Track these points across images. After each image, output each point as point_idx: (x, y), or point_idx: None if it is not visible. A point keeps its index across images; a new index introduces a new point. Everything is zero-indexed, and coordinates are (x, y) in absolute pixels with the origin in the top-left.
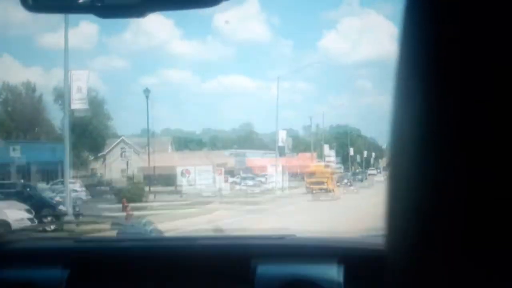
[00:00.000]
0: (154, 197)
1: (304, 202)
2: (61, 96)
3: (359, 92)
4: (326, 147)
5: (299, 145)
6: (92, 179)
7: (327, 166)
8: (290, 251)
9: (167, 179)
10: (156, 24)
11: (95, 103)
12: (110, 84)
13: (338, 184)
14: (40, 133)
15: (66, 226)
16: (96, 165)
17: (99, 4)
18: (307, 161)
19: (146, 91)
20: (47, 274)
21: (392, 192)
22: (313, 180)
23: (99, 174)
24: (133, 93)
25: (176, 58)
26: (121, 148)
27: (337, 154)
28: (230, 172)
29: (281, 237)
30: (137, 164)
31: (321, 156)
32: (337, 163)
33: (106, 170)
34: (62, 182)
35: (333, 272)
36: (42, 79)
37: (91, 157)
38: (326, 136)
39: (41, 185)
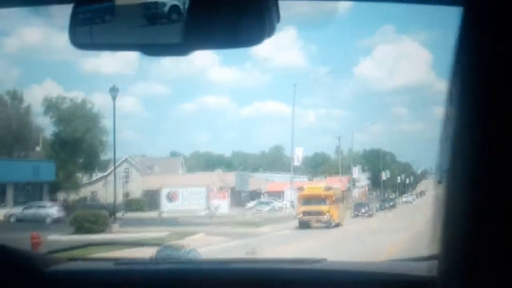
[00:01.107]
0: (119, 226)
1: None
2: (52, 107)
3: (395, 118)
4: (356, 170)
5: (330, 169)
6: (82, 202)
7: (328, 188)
8: (323, 276)
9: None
10: (197, 52)
11: (89, 117)
12: (149, 108)
13: (357, 213)
14: (25, 148)
15: None
16: (96, 187)
17: (146, 43)
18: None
19: (113, 90)
20: None
21: (445, 217)
22: (307, 208)
23: (89, 197)
24: (170, 118)
25: (215, 85)
26: (125, 169)
27: (369, 179)
28: (252, 195)
29: (314, 261)
30: (138, 185)
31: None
32: (368, 188)
33: (107, 192)
34: (40, 206)
35: None
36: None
37: (86, 177)
38: (357, 159)
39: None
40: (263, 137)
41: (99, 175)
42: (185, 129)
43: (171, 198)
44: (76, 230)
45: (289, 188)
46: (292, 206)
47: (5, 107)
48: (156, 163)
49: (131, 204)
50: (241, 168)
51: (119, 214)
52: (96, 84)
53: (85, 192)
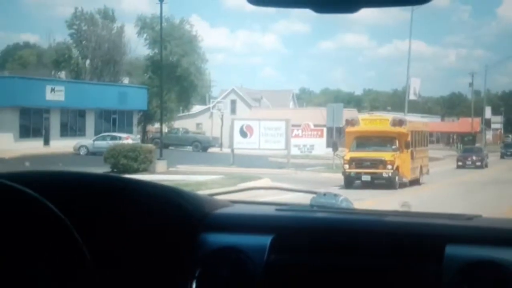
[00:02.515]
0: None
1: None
2: (147, 27)
3: None
4: (488, 110)
5: (465, 110)
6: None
7: (399, 122)
8: (477, 233)
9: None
10: None
11: (187, 39)
12: (290, 46)
13: (461, 163)
14: (117, 73)
15: None
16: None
17: (317, 0)
18: (466, 127)
19: None
20: (251, 240)
21: None
22: (359, 155)
23: (182, 128)
24: (307, 55)
25: (354, 23)
26: (231, 100)
27: (504, 122)
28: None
29: (469, 218)
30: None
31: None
32: (505, 133)
33: (213, 124)
34: (113, 138)
35: None
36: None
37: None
38: (494, 100)
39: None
40: (399, 75)
41: (202, 107)
42: (321, 66)
43: (245, 132)
44: (110, 168)
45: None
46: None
47: (96, 27)
48: (264, 96)
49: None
50: (363, 106)
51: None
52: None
53: (187, 123)
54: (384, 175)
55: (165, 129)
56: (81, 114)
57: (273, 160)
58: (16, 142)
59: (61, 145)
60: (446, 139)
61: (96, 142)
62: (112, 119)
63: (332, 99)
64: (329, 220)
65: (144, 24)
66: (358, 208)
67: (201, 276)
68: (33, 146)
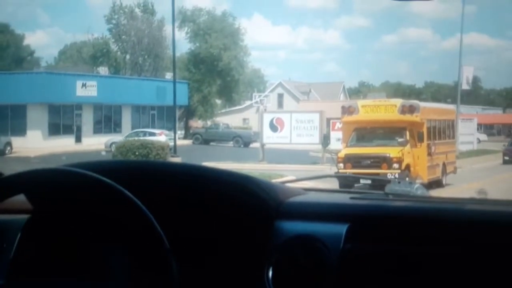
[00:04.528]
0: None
1: None
2: (188, 20)
3: None
4: None
5: None
6: (213, 129)
7: (409, 109)
8: None
9: None
10: None
11: (228, 32)
12: (352, 41)
13: (508, 157)
14: (159, 67)
15: None
16: (248, 114)
17: None
18: None
19: None
20: (327, 228)
21: None
22: (358, 151)
23: (221, 126)
24: (370, 50)
25: (417, 16)
26: (278, 94)
27: None
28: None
29: None
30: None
31: None
32: None
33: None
34: (146, 134)
35: None
36: None
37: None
38: None
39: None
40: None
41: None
42: (382, 60)
43: (275, 126)
44: None
45: (466, 119)
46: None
47: (135, 21)
48: (313, 88)
49: None
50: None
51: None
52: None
53: (234, 119)
54: (390, 176)
55: (207, 124)
56: (116, 110)
57: (314, 155)
58: (45, 140)
59: (94, 142)
60: (507, 131)
61: (127, 139)
62: (151, 115)
63: (392, 92)
64: (405, 209)
65: (185, 17)
66: (434, 196)
67: (278, 263)
68: (64, 144)
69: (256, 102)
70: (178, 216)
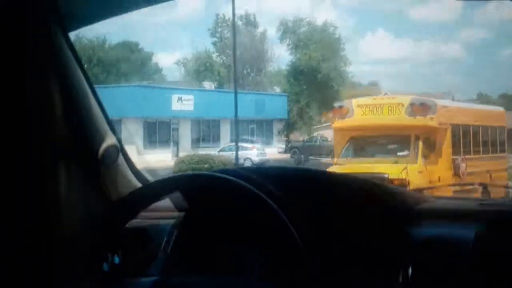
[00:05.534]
0: None
1: None
2: (289, 32)
3: None
4: None
5: None
6: (310, 142)
7: (421, 108)
8: None
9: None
10: None
11: (327, 42)
12: (472, 54)
13: None
14: (259, 81)
15: None
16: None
17: None
18: None
19: None
20: (457, 232)
21: None
22: (348, 167)
23: (320, 137)
24: (492, 62)
25: None
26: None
27: None
28: None
29: None
30: None
31: None
32: None
33: None
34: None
35: None
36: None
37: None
38: None
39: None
40: None
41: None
42: (502, 72)
43: None
44: None
45: None
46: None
47: (238, 34)
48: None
49: None
50: None
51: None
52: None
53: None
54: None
55: (305, 138)
56: (215, 124)
57: None
58: (140, 155)
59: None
60: None
61: (221, 153)
62: (250, 129)
63: (507, 103)
64: None
65: (286, 29)
66: None
67: (412, 268)
68: (159, 159)
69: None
70: (316, 219)
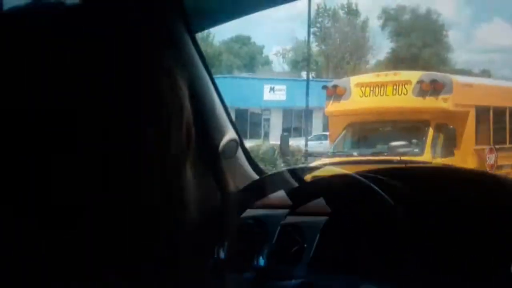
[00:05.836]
0: None
1: None
2: (391, 19)
3: None
4: None
5: None
6: None
7: (432, 83)
8: None
9: None
10: None
11: (430, 29)
12: None
13: None
14: (358, 70)
15: None
16: None
17: None
18: None
19: None
20: None
21: None
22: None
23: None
24: None
25: None
26: None
27: None
28: None
29: None
30: None
31: None
32: None
33: None
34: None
35: None
36: None
37: None
38: None
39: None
40: None
41: None
42: None
43: None
44: None
45: None
46: None
47: (338, 23)
48: None
49: None
50: None
51: None
52: None
53: None
54: None
55: None
56: (307, 114)
57: None
58: None
59: None
60: None
61: (309, 143)
62: None
63: None
64: None
65: (388, 16)
66: None
67: None
68: (250, 149)
69: None
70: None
